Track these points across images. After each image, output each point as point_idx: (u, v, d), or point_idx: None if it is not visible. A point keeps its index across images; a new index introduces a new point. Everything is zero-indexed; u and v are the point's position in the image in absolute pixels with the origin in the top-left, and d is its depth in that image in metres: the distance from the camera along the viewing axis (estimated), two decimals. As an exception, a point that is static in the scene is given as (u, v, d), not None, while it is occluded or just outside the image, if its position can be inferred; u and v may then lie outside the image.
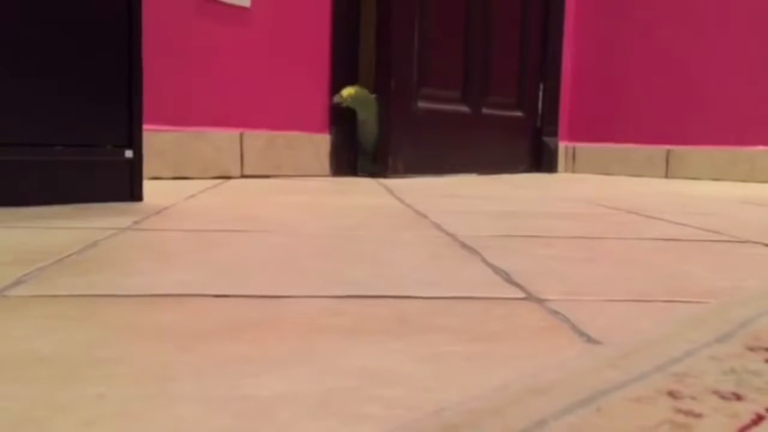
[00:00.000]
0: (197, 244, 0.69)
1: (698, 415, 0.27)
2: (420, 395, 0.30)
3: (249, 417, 0.27)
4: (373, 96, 1.98)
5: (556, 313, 0.45)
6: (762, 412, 0.28)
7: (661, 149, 2.53)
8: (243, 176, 1.80)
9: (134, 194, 1.05)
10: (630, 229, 0.91)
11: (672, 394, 0.29)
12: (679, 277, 0.58)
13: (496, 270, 0.59)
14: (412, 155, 2.09)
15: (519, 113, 2.51)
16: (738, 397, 0.29)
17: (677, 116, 2.51)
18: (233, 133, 1.77)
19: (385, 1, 2.00)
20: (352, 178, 1.90)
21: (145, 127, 1.07)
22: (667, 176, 2.52)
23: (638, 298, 0.50)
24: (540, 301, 0.48)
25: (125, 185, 1.05)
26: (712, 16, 2.42)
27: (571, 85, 2.71)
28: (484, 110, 2.36)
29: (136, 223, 0.83)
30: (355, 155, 2.06)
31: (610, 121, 2.64)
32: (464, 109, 2.29)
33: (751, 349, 0.36)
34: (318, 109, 1.97)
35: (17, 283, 0.49)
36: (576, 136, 2.73)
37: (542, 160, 2.60)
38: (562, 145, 2.71)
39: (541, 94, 2.59)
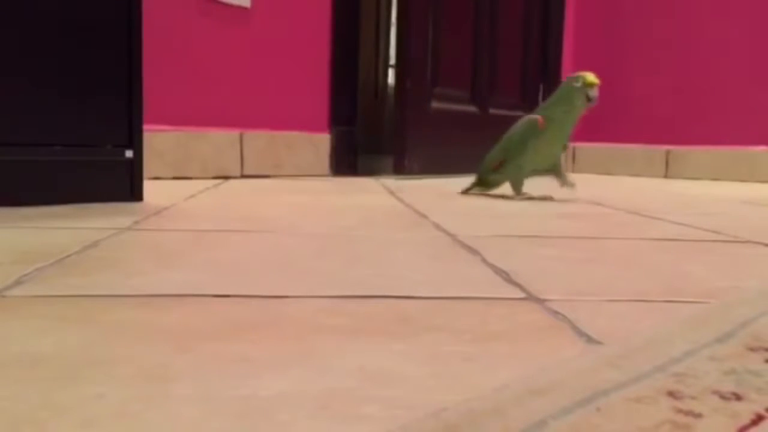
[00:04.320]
0: (197, 244, 0.69)
1: (698, 415, 0.27)
2: (420, 395, 0.30)
3: (249, 417, 0.27)
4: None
5: (556, 313, 0.45)
6: (762, 412, 0.28)
7: (660, 149, 2.53)
8: (243, 176, 1.80)
9: (134, 194, 1.05)
10: (630, 230, 0.91)
11: (672, 394, 0.29)
12: (680, 277, 0.58)
13: (497, 270, 0.59)
14: (426, 155, 2.10)
15: (521, 113, 2.51)
16: (738, 397, 0.29)
17: (677, 116, 2.51)
18: (233, 133, 1.77)
19: (403, 4, 2.02)
20: (352, 178, 1.90)
21: (145, 127, 1.07)
22: (666, 176, 2.52)
23: (638, 298, 0.50)
24: (540, 301, 0.48)
25: (125, 185, 1.05)
26: (712, 16, 2.42)
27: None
28: (491, 110, 2.37)
29: (136, 223, 0.83)
30: (355, 155, 2.06)
31: (609, 122, 2.64)
32: (473, 109, 2.30)
33: (752, 349, 0.36)
34: (318, 109, 1.97)
35: (17, 283, 0.49)
36: (576, 136, 2.73)
37: (542, 161, 2.60)
38: (563, 145, 2.71)
39: (540, 94, 2.59)
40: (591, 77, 1.28)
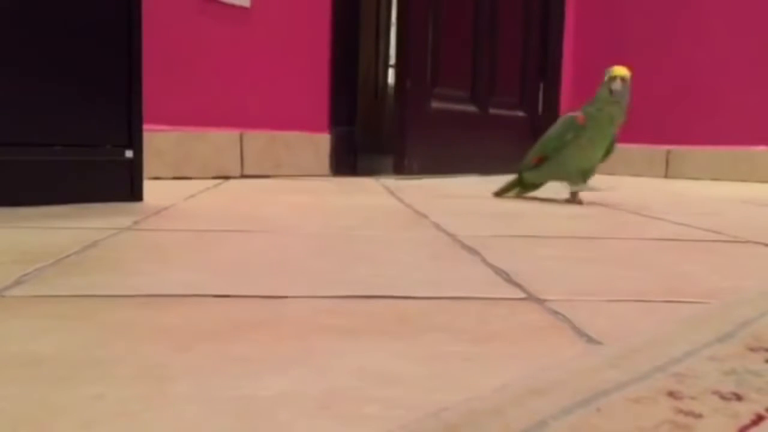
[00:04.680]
0: (197, 244, 0.69)
1: (698, 416, 0.27)
2: (420, 395, 0.30)
3: (249, 417, 0.27)
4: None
5: (556, 313, 0.45)
6: (762, 412, 0.28)
7: (661, 149, 2.53)
8: (243, 176, 1.80)
9: (134, 194, 1.05)
10: (630, 229, 0.91)
11: (672, 395, 0.29)
12: (680, 277, 0.58)
13: (497, 270, 0.59)
14: (426, 155, 2.10)
15: (520, 113, 2.51)
16: (738, 398, 0.29)
17: (677, 116, 2.51)
18: (233, 133, 1.77)
19: (404, 4, 2.02)
20: (352, 178, 1.90)
21: (145, 127, 1.07)
22: (666, 176, 2.52)
23: (638, 298, 0.50)
24: (540, 301, 0.48)
25: (125, 185, 1.05)
26: (712, 16, 2.42)
27: (572, 86, 2.71)
28: (491, 110, 2.37)
29: (136, 223, 0.83)
30: (355, 155, 2.06)
31: (610, 121, 2.64)
32: (472, 108, 2.30)
33: (752, 349, 0.36)
34: (318, 109, 1.97)
35: (17, 283, 0.49)
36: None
37: (542, 161, 2.61)
38: (563, 145, 2.70)
39: (541, 93, 2.59)
40: (615, 70, 1.21)
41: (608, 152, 1.28)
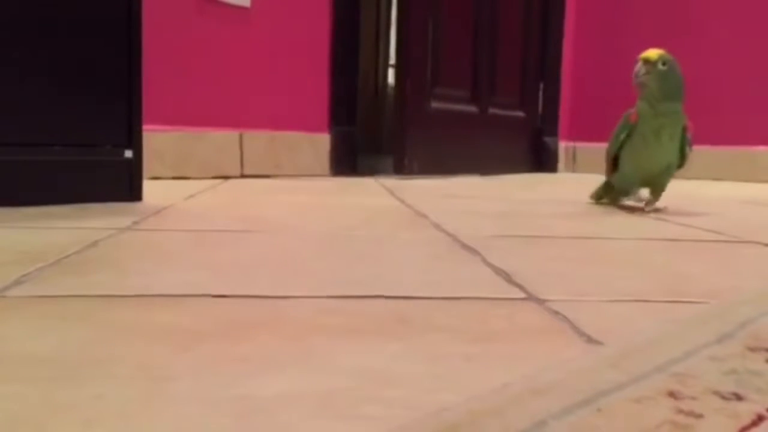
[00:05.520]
0: (197, 244, 0.69)
1: (699, 416, 0.27)
2: (420, 395, 0.30)
3: (249, 417, 0.27)
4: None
5: (556, 313, 0.45)
6: (762, 412, 0.28)
7: (661, 149, 2.53)
8: (243, 176, 1.80)
9: (134, 194, 1.05)
10: (630, 230, 0.91)
11: (672, 395, 0.29)
12: (680, 277, 0.58)
13: (497, 270, 0.59)
14: (426, 155, 2.10)
15: (520, 113, 2.51)
16: (738, 398, 0.29)
17: (677, 116, 2.50)
18: (233, 133, 1.77)
19: (404, 4, 2.02)
20: (351, 178, 1.90)
21: (144, 127, 1.07)
22: (667, 176, 2.52)
23: (638, 298, 0.50)
24: (540, 301, 0.48)
25: (125, 185, 1.04)
26: (712, 16, 2.42)
27: (572, 86, 2.71)
28: (491, 110, 2.37)
29: (135, 223, 0.83)
30: (355, 155, 2.06)
31: (610, 121, 2.63)
32: (473, 109, 2.30)
33: (752, 349, 0.36)
34: (318, 109, 1.97)
35: (17, 283, 0.49)
36: (576, 135, 2.73)
37: (543, 160, 2.61)
38: (563, 145, 2.70)
39: (541, 93, 2.59)
40: (644, 53, 1.09)
41: (683, 155, 1.13)
